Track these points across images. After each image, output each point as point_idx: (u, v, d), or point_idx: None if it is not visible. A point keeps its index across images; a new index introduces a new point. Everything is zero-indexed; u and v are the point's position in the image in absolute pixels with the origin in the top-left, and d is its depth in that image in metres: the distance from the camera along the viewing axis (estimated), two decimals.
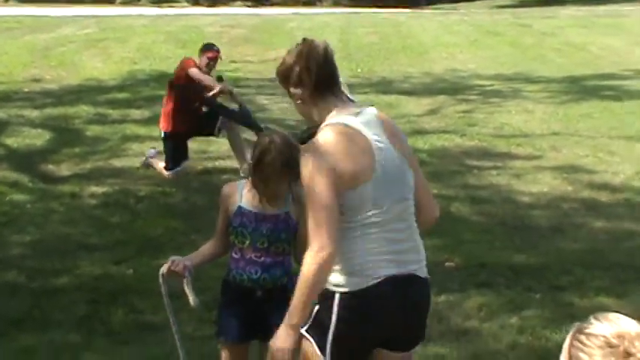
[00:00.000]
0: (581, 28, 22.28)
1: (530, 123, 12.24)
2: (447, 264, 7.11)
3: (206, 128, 9.62)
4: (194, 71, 9.28)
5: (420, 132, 11.69)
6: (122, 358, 5.52)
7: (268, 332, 4.24)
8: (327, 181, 3.38)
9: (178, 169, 9.41)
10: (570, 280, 6.78)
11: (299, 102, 3.63)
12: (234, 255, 4.36)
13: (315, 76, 3.61)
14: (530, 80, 15.47)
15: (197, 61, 9.51)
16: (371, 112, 3.63)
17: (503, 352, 5.63)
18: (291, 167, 4.00)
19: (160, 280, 4.36)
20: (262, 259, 4.29)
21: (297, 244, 4.30)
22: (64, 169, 9.79)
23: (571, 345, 2.37)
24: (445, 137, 11.39)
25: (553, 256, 7.31)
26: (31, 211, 8.39)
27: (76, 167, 9.85)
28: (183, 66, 9.45)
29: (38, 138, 11.10)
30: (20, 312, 6.13)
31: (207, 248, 4.52)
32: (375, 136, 3.52)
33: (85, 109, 12.40)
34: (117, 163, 9.96)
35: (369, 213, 3.48)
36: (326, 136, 3.48)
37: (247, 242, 4.30)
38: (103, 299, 6.37)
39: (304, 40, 3.72)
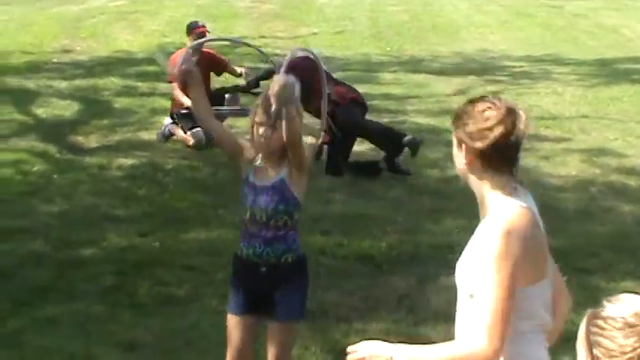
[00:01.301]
0: (613, 10, 22.03)
1: (559, 105, 12.14)
2: None
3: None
4: (177, 93, 9.28)
5: (449, 112, 11.58)
6: (146, 330, 5.54)
7: (271, 309, 4.28)
8: (512, 271, 2.96)
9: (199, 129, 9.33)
10: (597, 263, 6.73)
11: (470, 158, 3.12)
12: (243, 228, 4.41)
13: (507, 143, 3.07)
14: (560, 62, 15.34)
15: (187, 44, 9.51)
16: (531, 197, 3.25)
17: None
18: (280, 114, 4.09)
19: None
20: (263, 232, 4.30)
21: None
22: (92, 141, 9.81)
23: (588, 332, 2.35)
24: None
25: (580, 239, 7.26)
26: (59, 181, 8.42)
27: (104, 139, 9.87)
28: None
29: (67, 109, 11.13)
30: (46, 282, 6.15)
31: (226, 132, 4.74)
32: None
33: (114, 81, 12.41)
34: (145, 135, 9.97)
35: (541, 315, 3.10)
36: (518, 220, 3.07)
37: (248, 214, 4.32)
38: (128, 271, 6.39)
39: (508, 104, 3.13)
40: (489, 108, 3.04)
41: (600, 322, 2.33)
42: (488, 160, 3.08)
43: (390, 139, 9.09)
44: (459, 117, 3.10)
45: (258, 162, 4.33)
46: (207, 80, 9.32)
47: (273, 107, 4.09)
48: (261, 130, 4.21)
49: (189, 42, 9.61)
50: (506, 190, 3.13)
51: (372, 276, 6.50)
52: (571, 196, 8.46)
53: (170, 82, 9.28)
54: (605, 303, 2.39)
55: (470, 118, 3.06)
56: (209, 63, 9.58)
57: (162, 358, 5.21)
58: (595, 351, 2.32)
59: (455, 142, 3.14)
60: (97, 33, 16.60)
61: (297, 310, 4.37)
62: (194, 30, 9.81)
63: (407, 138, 9.01)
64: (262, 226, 4.27)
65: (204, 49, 9.66)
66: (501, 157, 3.09)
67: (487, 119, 3.03)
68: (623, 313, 2.31)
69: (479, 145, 3.04)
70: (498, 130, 3.01)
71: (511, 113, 3.03)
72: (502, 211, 3.08)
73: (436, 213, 7.84)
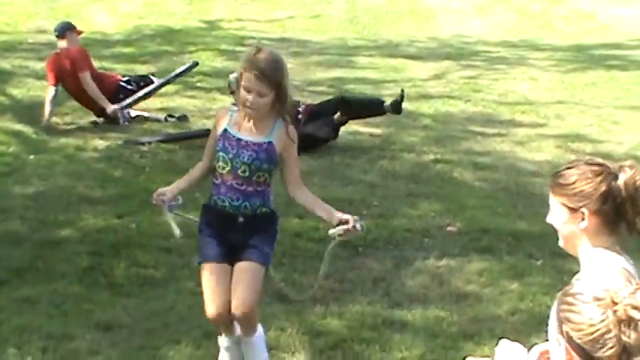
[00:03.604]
0: None
1: (535, 91, 12.21)
2: (448, 228, 7.13)
3: None
4: (92, 87, 9.60)
5: (425, 97, 11.67)
6: (123, 311, 5.55)
7: (245, 252, 4.34)
8: None
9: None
10: None
11: (581, 221, 3.07)
12: (214, 181, 4.45)
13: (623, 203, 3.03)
14: (536, 48, 15.40)
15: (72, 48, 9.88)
16: None
17: (503, 318, 5.67)
18: (272, 80, 4.20)
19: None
20: (243, 187, 4.36)
21: (287, 180, 4.35)
22: (68, 122, 9.78)
23: (559, 310, 2.39)
24: (450, 102, 11.37)
25: None
26: (34, 162, 8.40)
27: (80, 120, 9.85)
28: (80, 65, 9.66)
29: (42, 90, 11.03)
30: (23, 262, 6.15)
31: (194, 172, 4.68)
32: None
33: None
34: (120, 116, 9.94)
35: None
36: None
37: (227, 168, 4.35)
38: (105, 252, 6.39)
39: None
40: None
41: (569, 299, 2.37)
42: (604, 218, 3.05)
43: (371, 110, 9.29)
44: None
45: (236, 115, 4.36)
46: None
47: (267, 73, 4.21)
48: (251, 97, 4.24)
49: (59, 43, 10.01)
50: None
51: (348, 259, 6.54)
52: (546, 181, 8.48)
53: None
54: (573, 282, 2.43)
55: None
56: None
57: (139, 338, 5.23)
58: (564, 327, 2.36)
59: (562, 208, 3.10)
60: (73, 14, 16.46)
61: (266, 255, 4.48)
62: (74, 30, 10.07)
63: (387, 104, 9.17)
64: (244, 180, 4.33)
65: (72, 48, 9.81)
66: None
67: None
68: (592, 288, 2.36)
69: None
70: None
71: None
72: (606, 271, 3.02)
73: (412, 197, 7.89)
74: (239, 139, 4.32)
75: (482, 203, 7.77)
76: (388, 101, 9.23)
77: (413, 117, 10.55)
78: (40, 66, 12.23)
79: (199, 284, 5.81)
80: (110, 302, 5.67)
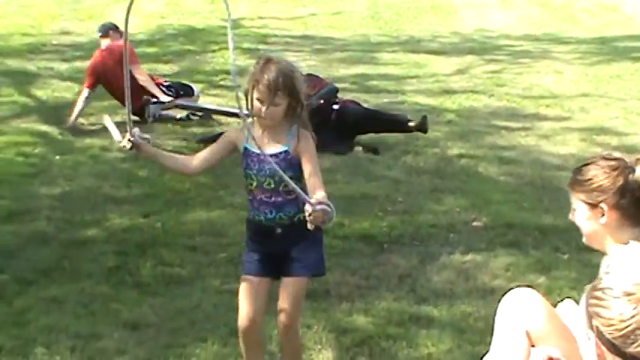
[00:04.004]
0: None
1: (559, 84, 12.16)
2: (474, 223, 7.11)
3: None
4: (146, 78, 9.87)
5: (448, 92, 11.65)
6: (150, 310, 5.57)
7: (288, 266, 4.34)
8: None
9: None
10: None
11: (601, 216, 3.10)
12: (248, 197, 4.45)
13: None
14: (560, 41, 15.33)
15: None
16: None
17: None
18: (285, 89, 4.17)
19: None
20: (272, 199, 4.34)
21: (308, 185, 4.31)
22: (93, 123, 9.82)
23: (588, 304, 2.38)
24: (473, 97, 11.34)
25: None
26: (60, 163, 8.44)
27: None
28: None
29: (67, 91, 11.14)
30: (50, 262, 6.18)
31: (183, 158, 4.74)
32: None
33: None
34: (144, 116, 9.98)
35: None
36: None
37: (255, 184, 4.35)
38: (131, 251, 6.41)
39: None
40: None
41: (599, 294, 2.36)
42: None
43: (395, 126, 9.25)
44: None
45: (253, 132, 4.35)
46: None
47: (278, 83, 4.19)
48: (264, 107, 4.24)
49: (102, 42, 9.91)
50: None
51: (374, 255, 6.54)
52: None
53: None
54: (601, 276, 2.42)
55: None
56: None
57: (166, 337, 5.24)
58: (594, 322, 2.35)
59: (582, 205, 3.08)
60: (96, 15, 16.55)
61: (311, 265, 4.45)
62: (117, 30, 9.95)
63: (413, 123, 9.11)
64: (272, 192, 4.32)
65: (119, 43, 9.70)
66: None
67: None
68: (622, 283, 2.34)
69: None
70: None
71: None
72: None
73: (436, 192, 7.87)
74: (258, 154, 4.31)
75: (507, 198, 7.74)
76: (413, 122, 9.16)
77: (436, 112, 10.53)
78: (64, 67, 12.33)
79: (225, 282, 5.88)
80: (137, 301, 5.69)
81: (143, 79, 9.70)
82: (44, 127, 9.49)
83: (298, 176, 4.32)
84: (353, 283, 6.04)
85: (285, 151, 4.32)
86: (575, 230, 7.00)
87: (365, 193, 7.76)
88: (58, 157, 8.58)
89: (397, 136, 9.49)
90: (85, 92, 9.74)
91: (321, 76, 9.83)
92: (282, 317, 4.42)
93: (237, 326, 4.53)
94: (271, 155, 4.27)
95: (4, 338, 5.07)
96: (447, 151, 9.10)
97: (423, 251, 6.60)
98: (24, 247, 6.41)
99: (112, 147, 8.95)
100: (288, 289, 4.40)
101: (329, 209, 4.05)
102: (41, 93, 10.97)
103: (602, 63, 13.50)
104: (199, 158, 4.53)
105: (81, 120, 9.84)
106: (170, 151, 8.58)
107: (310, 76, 9.04)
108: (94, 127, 9.66)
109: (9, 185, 7.70)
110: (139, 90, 9.51)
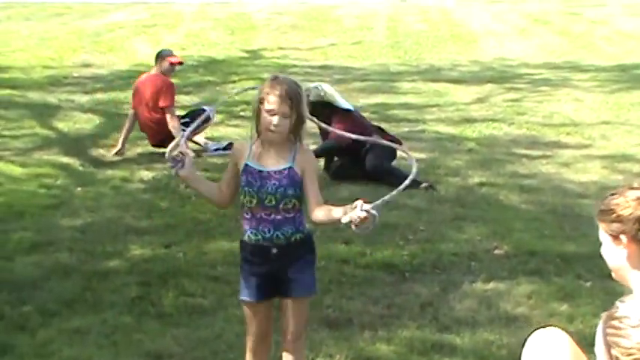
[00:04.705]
0: (632, 16, 22.01)
1: (579, 112, 12.15)
2: (495, 251, 7.09)
3: None
4: (176, 124, 9.68)
5: (469, 120, 11.66)
6: (173, 340, 5.56)
7: (286, 287, 4.36)
8: None
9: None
10: None
11: (623, 247, 3.03)
12: (245, 215, 4.44)
13: None
14: (579, 69, 15.34)
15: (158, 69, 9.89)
16: None
17: None
18: (294, 100, 4.22)
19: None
20: (272, 216, 4.35)
21: (309, 202, 4.35)
22: (114, 154, 9.88)
23: (605, 334, 2.36)
24: (494, 126, 11.34)
25: None
26: (82, 194, 8.48)
27: (126, 152, 9.93)
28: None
29: (88, 122, 11.22)
30: (73, 293, 6.20)
31: (215, 188, 4.60)
32: None
33: None
34: (166, 148, 10.00)
35: None
36: None
37: (255, 201, 4.35)
38: (153, 282, 6.42)
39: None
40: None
41: (615, 323, 2.35)
42: None
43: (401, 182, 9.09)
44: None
45: (254, 148, 4.38)
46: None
47: (289, 94, 4.24)
48: (276, 119, 4.27)
49: (155, 69, 9.80)
50: None
51: (395, 284, 6.52)
52: (593, 202, 8.43)
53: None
54: (618, 304, 2.40)
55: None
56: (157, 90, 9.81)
57: None
58: (613, 351, 2.33)
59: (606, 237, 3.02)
60: (117, 47, 16.73)
61: (310, 285, 4.49)
62: (167, 57, 9.90)
63: (424, 184, 8.94)
64: (272, 209, 4.33)
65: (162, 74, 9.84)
66: None
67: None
68: (637, 310, 2.33)
69: None
70: None
71: None
72: None
73: (458, 221, 7.86)
74: (260, 171, 4.34)
75: (529, 226, 7.72)
76: (422, 185, 8.99)
77: (457, 141, 10.53)
78: (85, 99, 12.43)
79: None
80: (159, 332, 5.69)
81: (173, 126, 9.66)
82: (65, 159, 9.54)
83: (298, 195, 4.37)
84: (375, 312, 6.03)
85: (289, 168, 4.34)
86: (597, 258, 6.96)
87: (386, 222, 7.74)
88: (79, 188, 8.63)
89: (418, 165, 9.45)
90: (130, 112, 9.89)
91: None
92: (290, 336, 4.48)
93: (247, 346, 4.59)
94: (275, 172, 4.31)
95: None
96: (468, 180, 9.09)
97: (445, 279, 6.59)
98: (47, 279, 6.43)
99: (133, 178, 9.01)
100: (294, 312, 4.44)
101: (377, 219, 4.06)
102: (62, 125, 11.04)
103: (622, 90, 13.48)
104: (225, 184, 4.53)
105: (101, 152, 9.90)
106: None
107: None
108: (114, 159, 9.71)
109: (31, 217, 7.74)
110: (165, 127, 9.57)
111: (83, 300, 6.11)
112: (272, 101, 4.28)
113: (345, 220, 4.10)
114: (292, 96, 4.27)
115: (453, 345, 5.55)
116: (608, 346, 2.35)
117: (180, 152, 4.47)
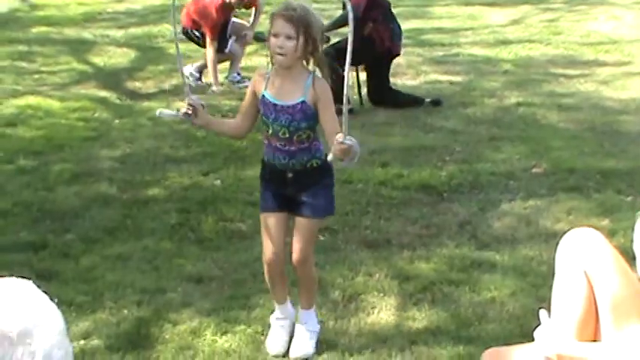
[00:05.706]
0: None
1: (618, 29, 11.97)
2: (534, 170, 7.06)
3: None
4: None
5: (504, 42, 11.53)
6: (213, 264, 5.63)
7: (299, 207, 4.48)
8: None
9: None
10: None
11: None
12: (264, 141, 4.51)
13: None
14: None
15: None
16: None
17: None
18: (299, 22, 4.17)
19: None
20: (287, 147, 4.39)
21: (325, 133, 4.32)
22: (150, 86, 9.90)
23: None
24: (530, 47, 11.21)
25: None
26: (120, 126, 8.52)
27: (162, 84, 9.95)
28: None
29: (124, 57, 11.23)
30: (113, 221, 6.26)
31: (230, 122, 4.76)
32: None
33: (168, 28, 12.45)
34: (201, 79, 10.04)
35: None
36: None
37: (270, 131, 4.40)
38: (192, 208, 6.47)
39: None
40: None
41: None
42: None
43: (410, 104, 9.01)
44: None
45: (271, 77, 4.37)
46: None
47: (294, 16, 4.20)
48: (279, 40, 4.25)
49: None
50: None
51: (433, 205, 6.52)
52: (632, 119, 8.36)
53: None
54: None
55: None
56: None
57: (229, 289, 5.30)
58: None
59: None
60: None
61: (319, 208, 4.52)
62: None
63: (428, 99, 8.91)
64: (286, 141, 4.37)
65: None
66: None
67: None
68: None
69: None
70: None
71: None
72: None
73: (495, 141, 7.82)
74: (275, 104, 4.34)
75: (567, 144, 7.67)
76: (427, 100, 8.97)
77: (492, 63, 10.44)
78: (120, 34, 12.42)
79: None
80: (200, 256, 5.75)
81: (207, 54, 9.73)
82: (102, 93, 9.57)
83: (312, 126, 4.38)
84: (413, 232, 6.05)
85: (302, 102, 4.32)
86: (637, 173, 6.95)
87: (423, 145, 7.74)
88: (117, 120, 8.66)
89: (453, 88, 9.43)
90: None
91: None
92: (295, 254, 4.55)
93: (263, 261, 4.64)
94: (288, 107, 4.31)
95: (73, 294, 5.15)
96: (505, 101, 9.02)
97: (483, 199, 6.58)
98: (88, 208, 6.50)
99: (170, 109, 9.00)
100: (301, 230, 4.53)
101: (356, 147, 4.03)
102: (98, 60, 11.06)
103: None
104: (242, 115, 4.56)
105: (138, 84, 9.93)
106: (228, 111, 8.69)
107: None
108: (150, 91, 9.73)
109: (71, 149, 7.80)
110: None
111: (124, 227, 6.17)
112: (276, 24, 4.27)
113: (330, 158, 4.10)
114: (297, 17, 4.22)
115: (492, 262, 5.56)
116: None
117: (189, 104, 4.46)
